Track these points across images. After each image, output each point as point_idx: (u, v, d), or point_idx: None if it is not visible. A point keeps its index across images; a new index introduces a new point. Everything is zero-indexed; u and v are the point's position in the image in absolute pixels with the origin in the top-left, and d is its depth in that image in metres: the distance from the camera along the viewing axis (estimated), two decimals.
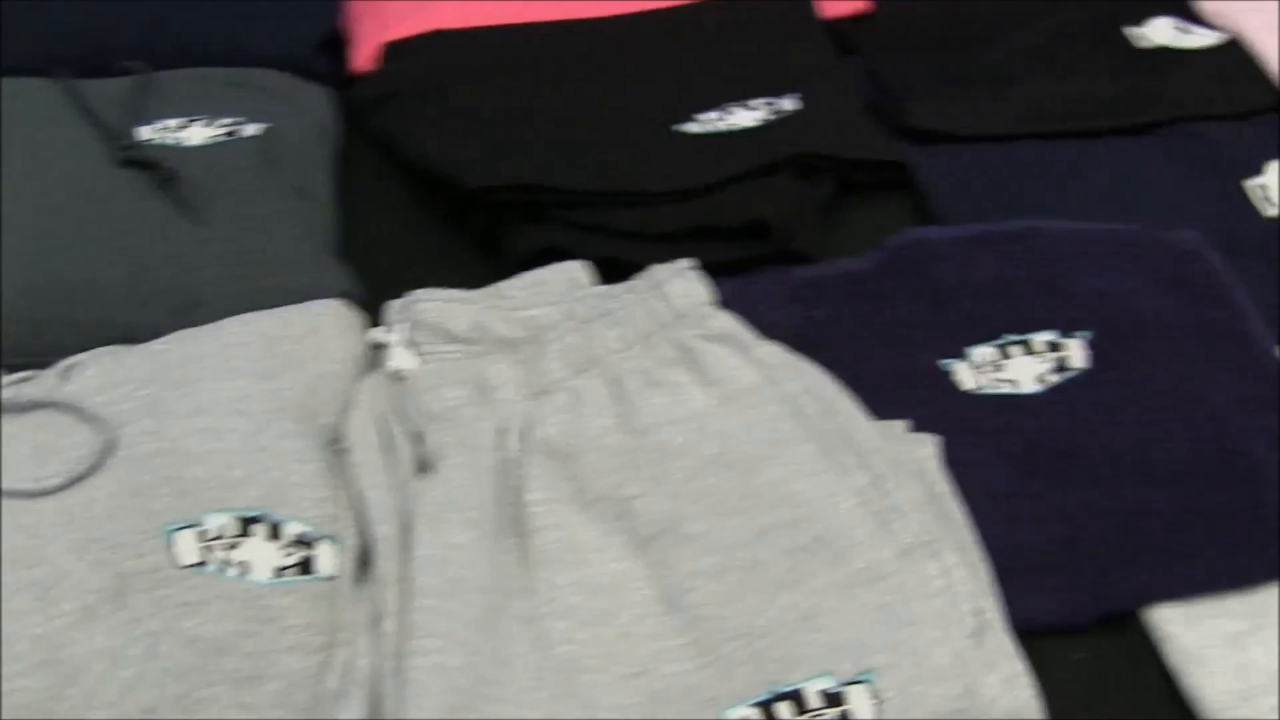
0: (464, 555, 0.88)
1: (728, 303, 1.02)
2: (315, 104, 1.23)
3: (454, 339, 0.97)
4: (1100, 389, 1.01)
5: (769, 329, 1.01)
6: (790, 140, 1.15)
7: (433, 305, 0.98)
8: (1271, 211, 1.15)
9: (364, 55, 1.28)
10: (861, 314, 1.06)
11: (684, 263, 1.02)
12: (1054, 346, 1.03)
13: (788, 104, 1.20)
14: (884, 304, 1.06)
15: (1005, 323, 1.05)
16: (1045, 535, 0.94)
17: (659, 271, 1.01)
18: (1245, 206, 1.17)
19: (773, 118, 1.19)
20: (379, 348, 0.99)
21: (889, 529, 0.88)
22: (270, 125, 1.17)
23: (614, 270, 1.02)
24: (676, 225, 1.10)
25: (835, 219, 1.17)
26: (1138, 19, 1.36)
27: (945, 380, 1.02)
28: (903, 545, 0.88)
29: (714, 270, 1.04)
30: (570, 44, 1.29)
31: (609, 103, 1.22)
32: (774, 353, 0.98)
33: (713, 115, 1.20)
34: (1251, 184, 1.17)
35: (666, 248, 1.07)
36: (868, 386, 0.98)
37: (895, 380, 1.02)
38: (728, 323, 0.99)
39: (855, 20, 1.36)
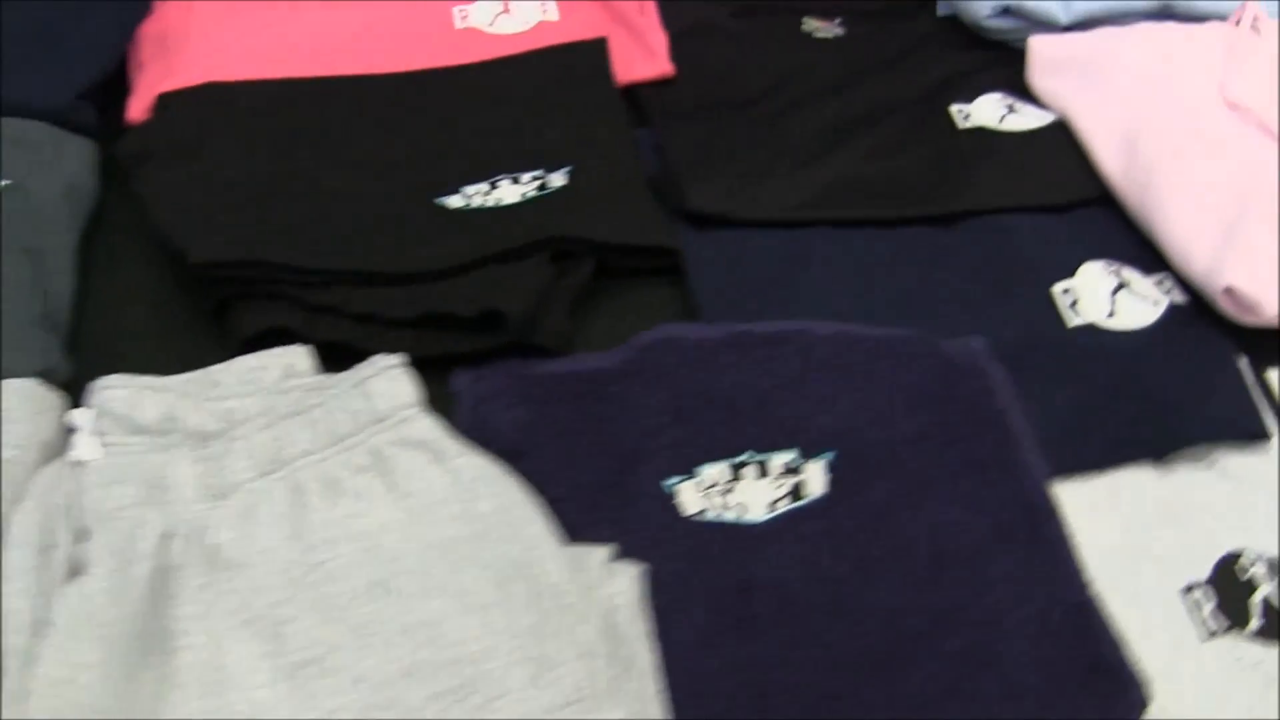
0: (90, 677, 0.81)
1: (458, 397, 0.97)
2: (71, 159, 1.15)
3: (140, 430, 0.90)
4: (833, 521, 0.93)
5: (491, 431, 0.95)
6: (548, 222, 1.07)
7: (121, 392, 0.91)
8: (1076, 321, 1.06)
9: (139, 106, 1.21)
10: (593, 420, 0.98)
11: (392, 358, 0.94)
12: (791, 470, 0.95)
13: (557, 179, 1.12)
14: (620, 410, 0.98)
15: (744, 439, 0.97)
16: (740, 689, 0.86)
17: (365, 367, 0.93)
18: (1049, 313, 1.08)
19: (537, 194, 1.12)
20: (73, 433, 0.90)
21: (546, 678, 0.80)
22: (9, 183, 1.09)
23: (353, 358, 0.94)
24: (411, 312, 1.03)
25: (602, 307, 1.10)
26: (970, 94, 1.24)
27: (667, 501, 0.94)
28: (559, 698, 0.80)
29: (457, 359, 1.00)
30: (348, 101, 1.22)
31: (371, 169, 1.15)
32: (474, 465, 0.90)
33: (480, 188, 1.13)
34: (1059, 289, 1.08)
35: (401, 335, 1.03)
36: (582, 503, 0.92)
37: (613, 498, 0.94)
38: (429, 428, 0.92)
39: (657, 85, 1.26)
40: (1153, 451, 1.00)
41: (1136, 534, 0.96)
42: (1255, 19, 1.25)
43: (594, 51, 1.25)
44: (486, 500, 0.89)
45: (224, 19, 1.30)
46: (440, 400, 0.95)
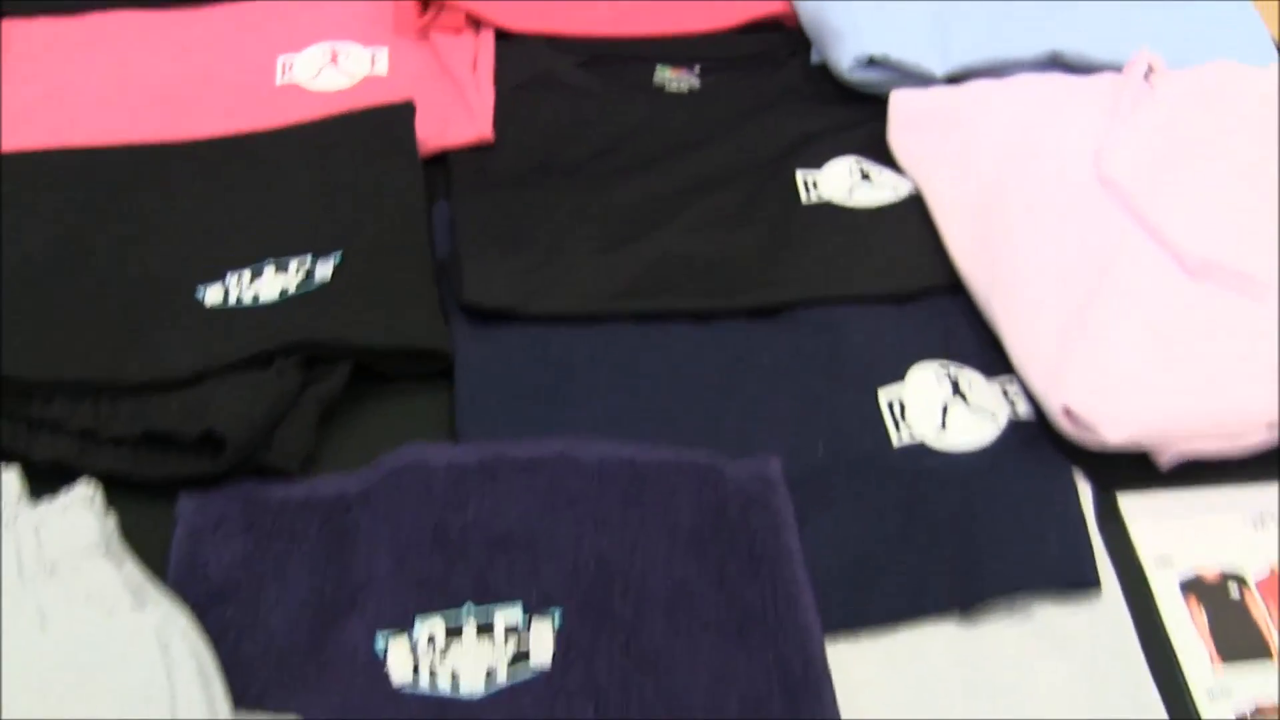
0: None
1: (176, 527, 0.88)
2: None
3: None
4: (558, 696, 0.80)
5: (200, 571, 0.86)
6: (294, 325, 0.96)
7: None
8: (902, 437, 0.93)
9: None
10: (315, 557, 0.87)
11: (77, 491, 0.85)
12: (513, 630, 0.83)
13: (323, 268, 1.01)
14: (346, 546, 0.87)
15: (469, 588, 0.84)
16: None
17: (45, 505, 0.84)
18: (873, 426, 0.96)
19: (297, 290, 1.01)
20: None
21: None
22: None
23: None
24: (131, 429, 0.92)
25: (364, 417, 1.00)
26: (822, 157, 1.11)
27: (375, 666, 0.81)
28: None
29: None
30: (130, 172, 1.13)
31: (141, 250, 1.06)
32: (141, 627, 0.78)
33: (243, 276, 1.01)
34: (885, 397, 0.94)
35: (121, 455, 0.94)
36: (277, 666, 0.81)
37: (312, 661, 0.83)
38: (103, 579, 0.81)
39: (474, 151, 1.14)
40: (959, 601, 0.84)
41: (930, 705, 0.82)
42: (1149, 69, 1.09)
43: (398, 118, 1.13)
44: (143, 670, 0.77)
45: (34, 63, 1.24)
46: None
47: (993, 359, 0.99)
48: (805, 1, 1.24)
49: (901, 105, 1.13)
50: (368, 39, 1.28)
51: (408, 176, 1.09)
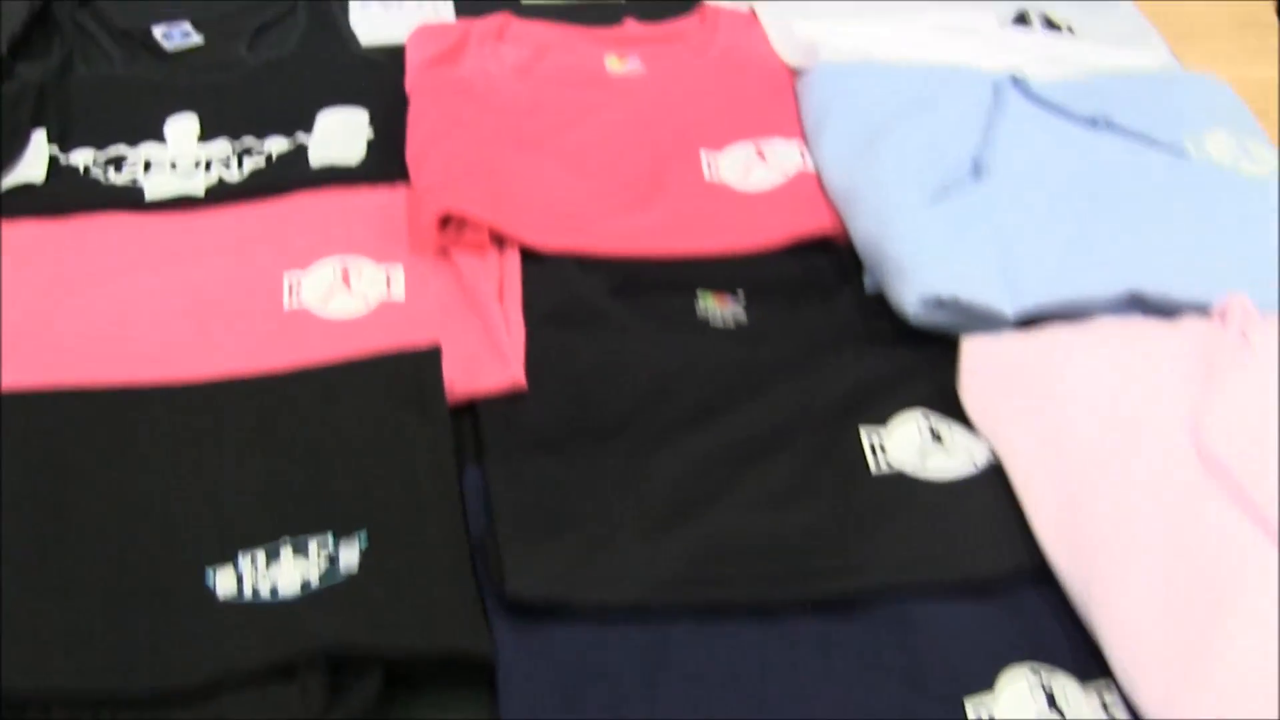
0: None
1: None
2: None
3: None
4: None
5: None
6: (323, 627, 0.87)
7: None
8: None
9: None
10: None
11: None
12: None
13: (347, 553, 0.92)
14: None
15: None
16: None
17: None
18: None
19: (319, 579, 0.92)
20: None
21: None
22: None
23: None
24: None
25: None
26: (887, 409, 1.04)
27: None
28: None
29: None
30: (125, 421, 1.04)
31: (133, 526, 0.97)
32: None
33: (256, 560, 0.92)
34: (975, 705, 0.85)
35: None
36: None
37: None
38: None
39: (504, 401, 1.04)
40: None
41: None
42: (1245, 320, 1.01)
43: (424, 365, 1.05)
44: None
45: (21, 270, 1.17)
46: None
47: (1087, 659, 0.91)
48: (863, 228, 1.16)
49: (973, 356, 1.04)
50: (381, 254, 1.20)
51: (436, 436, 1.00)
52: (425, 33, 1.44)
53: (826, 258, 1.21)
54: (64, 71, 1.40)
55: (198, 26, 1.49)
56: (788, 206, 1.24)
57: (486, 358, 1.07)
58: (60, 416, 1.03)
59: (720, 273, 1.19)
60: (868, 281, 1.15)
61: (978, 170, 1.20)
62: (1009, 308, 1.08)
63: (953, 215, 1.14)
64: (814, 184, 1.26)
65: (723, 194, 1.25)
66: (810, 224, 1.22)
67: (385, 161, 1.29)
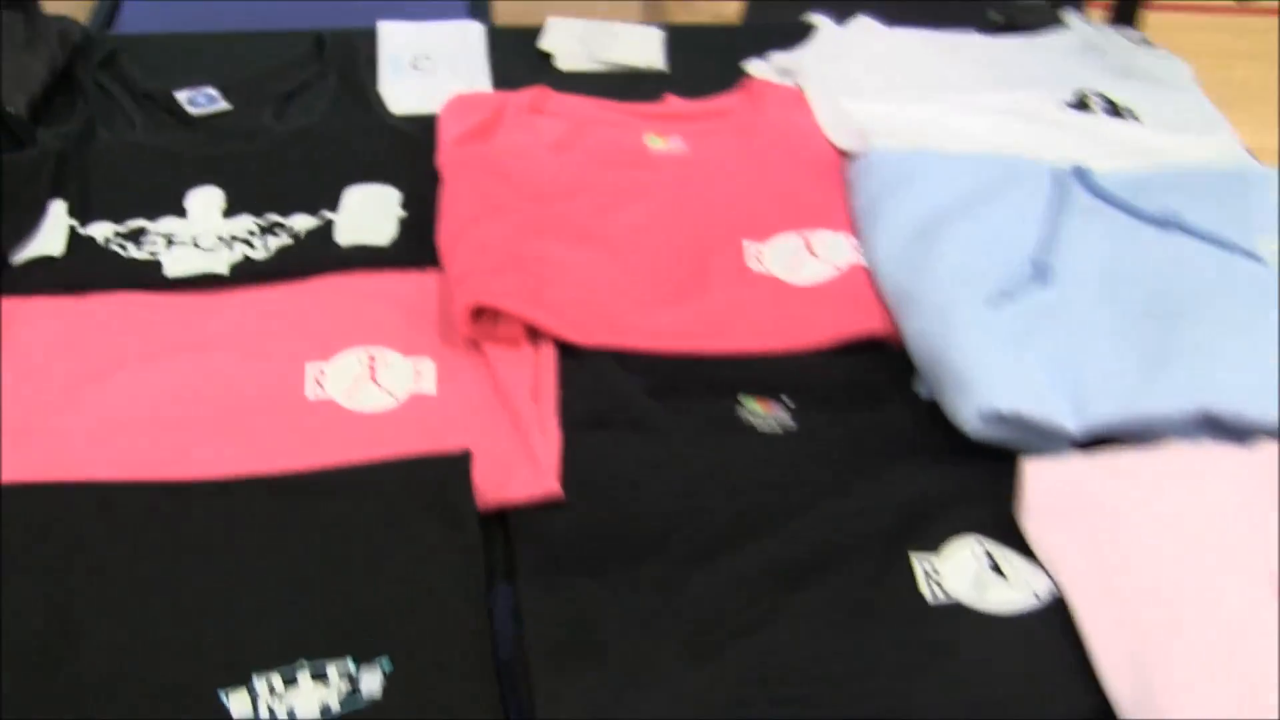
0: None
1: None
2: None
3: None
4: None
5: None
6: None
7: None
8: None
9: None
10: None
11: None
12: None
13: (369, 680, 0.87)
14: None
15: None
16: None
17: None
18: None
19: (339, 704, 0.87)
20: None
21: None
22: None
23: None
24: None
25: None
26: (941, 534, 0.98)
27: None
28: None
29: None
30: (135, 520, 0.99)
31: (142, 640, 0.91)
32: None
33: (273, 683, 0.88)
34: None
35: None
36: None
37: None
38: None
39: (536, 511, 1.00)
40: None
41: None
42: None
43: (454, 473, 1.00)
44: None
45: (30, 350, 1.13)
46: None
47: None
48: (918, 332, 1.12)
49: (1035, 480, 0.98)
50: (410, 345, 1.15)
51: (465, 550, 0.96)
52: (460, 104, 1.39)
53: (877, 358, 1.14)
54: (86, 137, 1.35)
55: (224, 92, 1.44)
56: (837, 303, 1.19)
57: (519, 464, 1.02)
58: (65, 513, 0.98)
59: (765, 372, 1.14)
60: (921, 389, 1.09)
61: (1040, 272, 1.15)
62: (1073, 425, 1.02)
63: (1015, 323, 1.09)
64: (866, 279, 1.19)
65: (769, 287, 1.20)
66: (861, 324, 1.17)
67: (416, 243, 1.24)
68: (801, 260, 1.22)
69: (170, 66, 1.52)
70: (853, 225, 1.27)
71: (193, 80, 1.46)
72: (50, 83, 1.44)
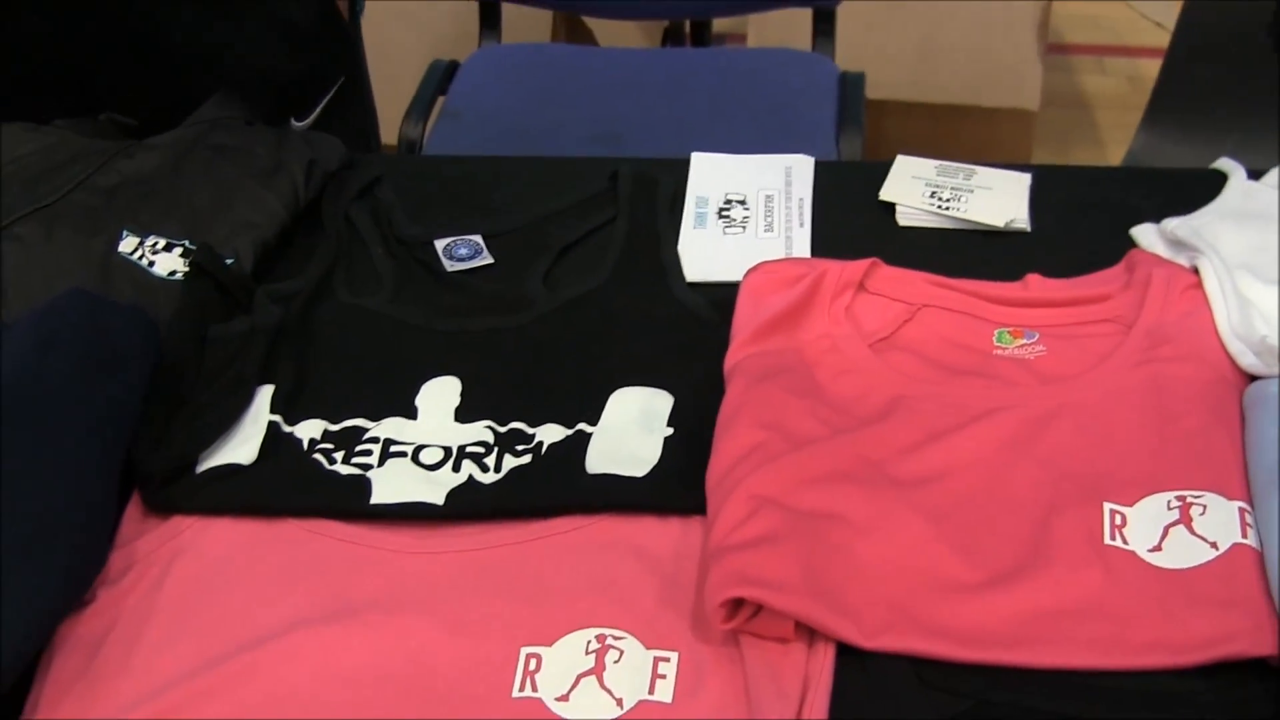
0: None
1: None
2: None
3: None
4: None
5: None
6: None
7: None
8: None
9: None
10: None
11: None
12: None
13: None
14: None
15: None
16: None
17: None
18: None
19: None
20: None
21: None
22: None
23: None
24: None
25: None
26: None
27: None
28: None
29: None
30: None
31: None
32: None
33: None
34: None
35: None
36: None
37: None
38: None
39: None
40: None
41: None
42: None
43: None
44: None
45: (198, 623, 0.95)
46: None
47: None
48: None
49: None
50: (653, 630, 0.93)
51: None
52: (765, 277, 1.15)
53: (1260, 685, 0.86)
54: (318, 297, 1.14)
55: (492, 240, 1.21)
56: (1207, 602, 0.91)
57: None
58: None
59: (1113, 691, 0.87)
60: None
61: None
62: None
63: None
64: (1253, 567, 0.91)
65: (1128, 573, 0.91)
66: (1233, 640, 0.89)
67: (683, 475, 1.01)
68: (1171, 534, 0.94)
69: (443, 198, 1.31)
70: (1247, 483, 0.96)
71: (463, 219, 1.25)
72: (290, 223, 1.22)
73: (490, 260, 1.22)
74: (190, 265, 1.14)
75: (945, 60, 2.75)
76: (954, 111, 2.80)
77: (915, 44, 2.75)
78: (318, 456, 1.02)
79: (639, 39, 2.80)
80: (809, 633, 0.91)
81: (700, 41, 2.72)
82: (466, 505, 0.99)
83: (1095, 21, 3.57)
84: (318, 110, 1.53)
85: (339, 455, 1.02)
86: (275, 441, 1.03)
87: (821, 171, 1.36)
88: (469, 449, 1.02)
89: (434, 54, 2.12)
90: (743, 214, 1.28)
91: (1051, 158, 2.95)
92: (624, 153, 1.41)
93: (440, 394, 1.07)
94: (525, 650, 0.91)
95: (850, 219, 1.30)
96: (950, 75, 2.77)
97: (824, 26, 2.18)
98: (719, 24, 2.90)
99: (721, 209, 1.29)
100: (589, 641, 0.91)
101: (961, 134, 2.81)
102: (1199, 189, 1.28)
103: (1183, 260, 1.18)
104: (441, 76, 2.09)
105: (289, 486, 1.00)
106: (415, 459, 1.02)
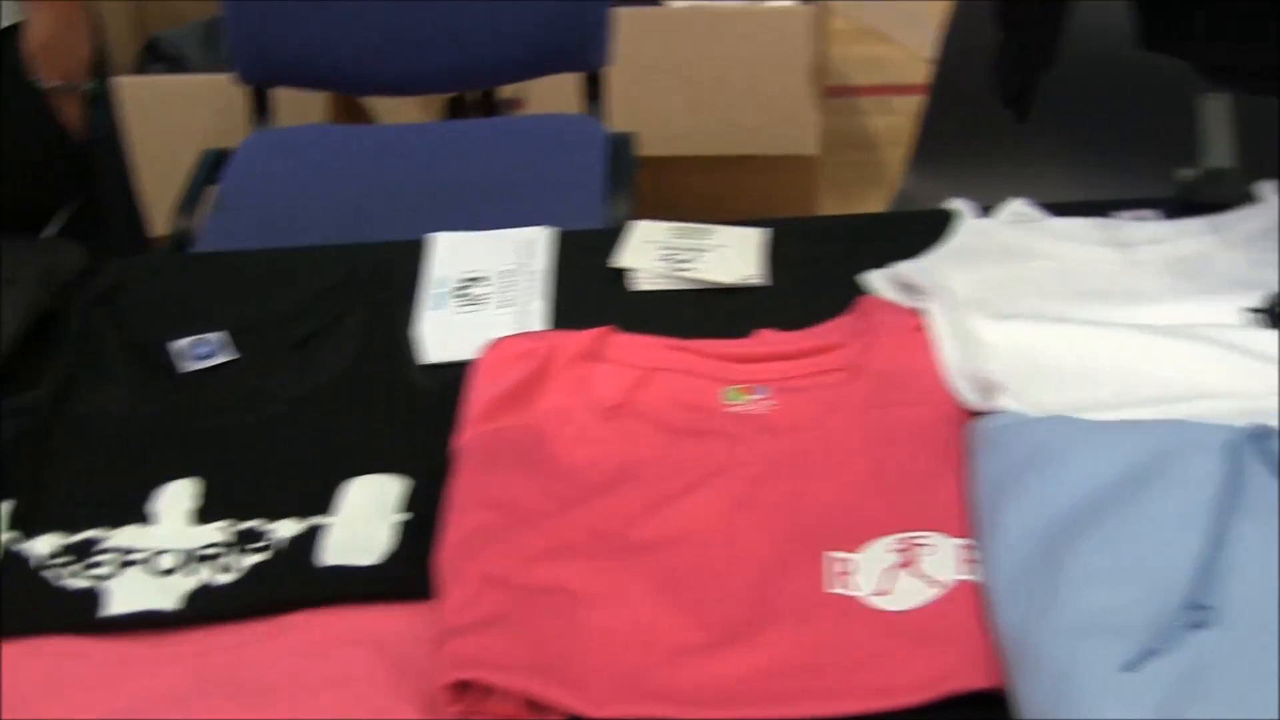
0: None
1: None
2: None
3: None
4: None
5: None
6: None
7: None
8: None
9: None
10: None
11: None
12: None
13: None
14: None
15: None
16: None
17: None
18: None
19: None
20: None
21: None
22: None
23: None
24: None
25: None
26: None
27: None
28: None
29: None
30: None
31: None
32: None
33: None
34: None
35: None
36: None
37: None
38: None
39: None
40: None
41: None
42: None
43: None
44: None
45: None
46: None
47: None
48: (1032, 698, 0.89)
49: None
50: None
51: None
52: (499, 353, 1.17)
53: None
54: (55, 407, 1.13)
55: (237, 337, 1.21)
56: (933, 641, 0.94)
57: None
58: None
59: None
60: None
61: (1195, 609, 0.87)
62: None
63: (1160, 688, 0.85)
64: (974, 603, 0.95)
65: (850, 620, 0.95)
66: (957, 676, 0.93)
67: (418, 559, 1.02)
68: (895, 576, 0.96)
69: (189, 295, 1.32)
70: (969, 520, 0.99)
71: (207, 315, 1.26)
72: (22, 334, 1.22)
73: (233, 356, 1.22)
74: None
75: (719, 112, 2.79)
76: (734, 163, 2.84)
77: (688, 99, 2.79)
78: (46, 574, 1.01)
79: (418, 115, 2.81)
80: (538, 707, 0.91)
81: (489, 110, 2.73)
82: (204, 607, 0.99)
83: (879, 63, 3.64)
84: (56, 229, 1.53)
85: (74, 568, 1.01)
86: (7, 561, 1.02)
87: (567, 241, 1.38)
88: (205, 551, 1.02)
89: (215, 141, 2.12)
90: (481, 291, 1.29)
91: (838, 202, 2.99)
92: (389, 233, 1.41)
93: (177, 497, 1.08)
94: None
95: (591, 288, 1.32)
96: (727, 126, 2.80)
97: (593, 90, 2.21)
98: (505, 90, 2.91)
99: (458, 288, 1.30)
100: None
101: (744, 185, 2.84)
102: (936, 231, 1.31)
103: (915, 303, 1.21)
104: (211, 165, 2.08)
105: (16, 604, 0.99)
106: (151, 566, 1.02)
